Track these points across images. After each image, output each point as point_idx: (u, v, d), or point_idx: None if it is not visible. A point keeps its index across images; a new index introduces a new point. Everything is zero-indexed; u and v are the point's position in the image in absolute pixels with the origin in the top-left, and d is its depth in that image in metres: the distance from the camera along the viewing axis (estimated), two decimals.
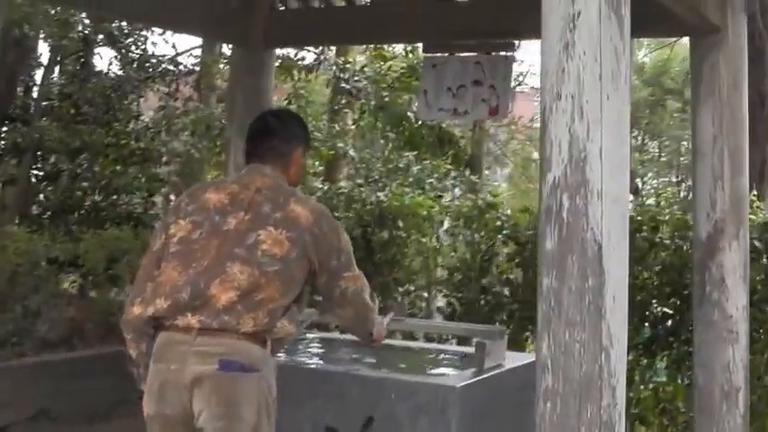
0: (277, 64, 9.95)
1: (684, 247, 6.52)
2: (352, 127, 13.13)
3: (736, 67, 4.80)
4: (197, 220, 3.26)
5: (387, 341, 5.08)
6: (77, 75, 11.52)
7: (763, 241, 6.32)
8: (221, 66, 12.80)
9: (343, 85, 12.05)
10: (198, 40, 13.65)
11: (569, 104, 2.76)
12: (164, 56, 12.23)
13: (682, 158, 18.19)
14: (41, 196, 11.37)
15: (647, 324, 6.73)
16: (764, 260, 6.36)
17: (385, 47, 12.89)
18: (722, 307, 4.72)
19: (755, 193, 7.03)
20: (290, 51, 11.86)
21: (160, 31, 11.92)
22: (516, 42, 5.97)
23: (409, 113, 12.08)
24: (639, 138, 20.57)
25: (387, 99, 12.18)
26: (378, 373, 4.55)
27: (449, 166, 11.46)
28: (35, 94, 12.24)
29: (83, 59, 11.87)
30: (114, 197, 10.71)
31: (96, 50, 12.31)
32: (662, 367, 6.76)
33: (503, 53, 5.87)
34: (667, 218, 6.89)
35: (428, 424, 4.07)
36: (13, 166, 11.26)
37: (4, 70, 11.55)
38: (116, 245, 8.47)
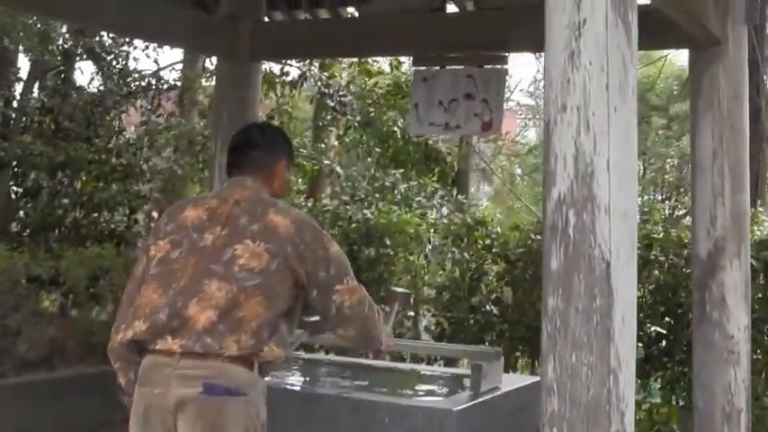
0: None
1: (679, 266, 6.44)
2: (336, 143, 13.02)
3: (737, 80, 4.75)
4: (176, 239, 3.15)
5: (375, 363, 4.96)
6: (58, 89, 11.36)
7: (760, 260, 6.23)
8: (203, 81, 12.70)
9: (328, 101, 11.95)
10: (180, 55, 13.55)
11: (575, 116, 2.68)
12: (145, 71, 12.12)
13: (666, 176, 18.13)
14: (21, 213, 11.18)
15: (640, 344, 6.62)
16: (761, 279, 6.26)
17: (369, 61, 12.80)
18: (723, 327, 4.66)
19: (761, 209, 6.96)
20: (274, 66, 11.76)
21: (142, 45, 11.81)
22: (508, 55, 5.85)
23: (395, 129, 11.97)
24: None
25: (372, 115, 12.07)
26: (371, 396, 4.43)
27: (436, 185, 11.34)
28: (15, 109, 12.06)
29: (63, 74, 11.75)
30: (96, 214, 10.54)
31: (77, 65, 12.21)
32: (656, 388, 6.68)
33: (495, 66, 5.77)
34: (661, 235, 6.81)
35: None
36: None
37: None
38: (98, 263, 8.32)
